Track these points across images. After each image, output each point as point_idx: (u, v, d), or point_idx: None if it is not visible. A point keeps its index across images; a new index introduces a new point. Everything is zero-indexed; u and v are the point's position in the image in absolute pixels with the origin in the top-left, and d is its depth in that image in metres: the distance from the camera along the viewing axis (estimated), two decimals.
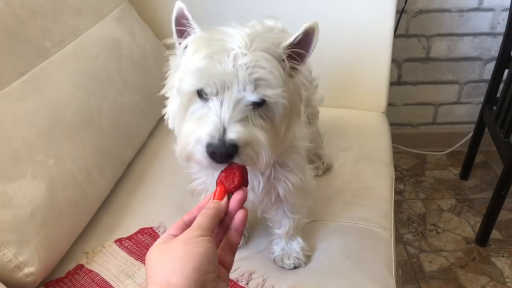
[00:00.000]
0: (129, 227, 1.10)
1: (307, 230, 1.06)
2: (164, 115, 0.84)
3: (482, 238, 1.76)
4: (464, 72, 2.08)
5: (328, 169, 1.25)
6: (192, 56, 0.73)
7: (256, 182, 0.89)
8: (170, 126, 0.82)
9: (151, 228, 1.10)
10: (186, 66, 0.74)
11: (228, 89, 0.70)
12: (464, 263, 1.70)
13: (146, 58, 1.40)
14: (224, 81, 0.70)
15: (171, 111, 0.81)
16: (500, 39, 1.97)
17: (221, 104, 0.70)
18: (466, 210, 1.93)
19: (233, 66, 0.69)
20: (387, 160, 1.31)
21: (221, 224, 0.66)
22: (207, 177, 0.94)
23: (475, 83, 2.10)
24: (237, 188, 0.68)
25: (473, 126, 2.14)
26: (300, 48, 0.76)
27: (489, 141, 2.00)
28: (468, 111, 2.17)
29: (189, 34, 0.78)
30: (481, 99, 2.12)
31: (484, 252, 1.74)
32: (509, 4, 1.87)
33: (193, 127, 0.72)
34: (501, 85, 1.82)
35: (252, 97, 0.70)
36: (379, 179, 1.23)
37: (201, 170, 0.94)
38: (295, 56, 0.76)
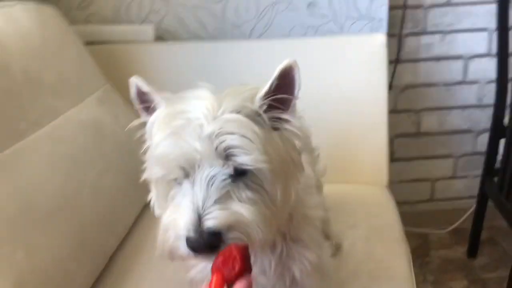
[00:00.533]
0: None
1: None
2: (149, 201, 0.75)
3: None
4: (457, 145, 2.03)
5: (338, 248, 1.11)
6: (155, 137, 0.66)
7: (266, 261, 0.76)
8: (156, 214, 0.72)
9: None
10: (151, 151, 0.67)
11: (199, 167, 0.61)
12: None
13: (130, 140, 1.29)
14: (192, 160, 0.61)
15: (154, 197, 0.73)
16: (488, 111, 1.96)
17: (193, 186, 0.61)
18: None
19: (199, 140, 0.61)
20: (399, 236, 1.18)
21: None
22: (206, 264, 0.80)
23: (469, 156, 2.05)
24: (239, 276, 0.56)
25: (473, 201, 2.06)
26: (281, 93, 0.66)
27: (492, 215, 1.91)
28: (466, 185, 2.10)
29: (154, 109, 0.71)
30: (478, 172, 2.05)
31: None
32: (492, 76, 1.89)
33: (170, 218, 0.63)
34: (498, 156, 1.77)
35: (226, 170, 0.61)
36: (394, 257, 1.10)
37: None
38: (277, 105, 0.66)
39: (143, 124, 0.75)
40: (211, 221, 0.58)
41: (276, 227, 0.67)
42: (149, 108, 0.72)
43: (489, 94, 1.93)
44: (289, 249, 0.76)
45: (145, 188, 1.29)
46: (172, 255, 0.63)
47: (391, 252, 1.12)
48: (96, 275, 1.03)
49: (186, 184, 0.62)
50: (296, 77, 0.66)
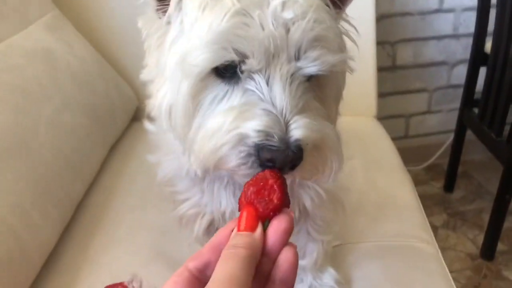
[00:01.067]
0: (90, 287, 0.78)
1: (334, 257, 0.81)
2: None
3: (489, 252, 1.57)
4: (431, 79, 1.96)
5: None
6: (202, 14, 0.48)
7: None
8: (166, 126, 0.55)
9: (121, 284, 0.79)
10: (193, 33, 0.48)
11: (273, 58, 0.46)
12: (477, 282, 1.50)
13: (88, 72, 1.11)
14: (269, 49, 0.46)
15: (164, 102, 0.54)
16: (463, 41, 1.89)
17: (267, 83, 0.47)
18: (461, 224, 1.75)
19: (279, 22, 0.46)
20: (398, 163, 1.10)
21: (256, 272, 0.39)
22: (201, 195, 0.66)
23: (443, 89, 1.99)
24: (277, 210, 0.41)
25: (447, 136, 2.02)
26: None
27: (465, 150, 1.87)
28: (440, 120, 2.04)
29: None
30: (452, 106, 2.01)
31: (493, 266, 1.55)
32: (469, 4, 1.81)
33: (226, 120, 0.47)
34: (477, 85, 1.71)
35: (313, 67, 0.48)
36: (397, 186, 1.01)
37: (192, 185, 0.66)
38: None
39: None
40: (300, 131, 0.45)
41: None
42: None
43: (465, 23, 1.86)
44: None
45: (109, 127, 1.14)
46: (218, 166, 0.48)
47: (394, 181, 1.03)
48: (64, 224, 0.88)
49: (257, 80, 0.47)
50: None
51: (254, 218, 0.41)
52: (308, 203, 0.66)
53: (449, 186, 1.92)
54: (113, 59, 1.27)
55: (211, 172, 0.52)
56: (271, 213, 0.41)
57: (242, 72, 0.48)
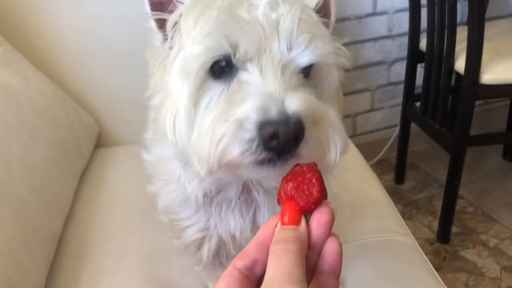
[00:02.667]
0: None
1: None
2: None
3: (444, 235, 1.68)
4: (372, 78, 2.06)
5: None
6: (195, 25, 0.51)
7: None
8: (171, 136, 0.55)
9: None
10: (188, 40, 0.51)
11: (265, 51, 0.48)
12: (438, 265, 1.60)
13: (49, 105, 1.09)
14: (260, 38, 0.48)
15: (168, 116, 0.55)
16: (397, 40, 2.01)
17: (261, 73, 0.48)
18: (416, 212, 1.85)
19: (268, 16, 0.48)
20: (363, 163, 1.16)
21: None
22: (207, 218, 0.68)
23: (384, 87, 2.10)
24: (317, 203, 0.41)
25: (391, 131, 2.13)
26: (322, 16, 0.58)
27: (410, 142, 1.99)
28: (383, 117, 2.16)
29: (173, 8, 0.56)
30: (392, 102, 2.13)
31: (450, 248, 1.66)
32: (400, 6, 1.93)
33: (222, 113, 0.47)
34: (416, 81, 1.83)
35: (306, 56, 0.49)
36: (368, 184, 1.07)
37: (196, 211, 0.67)
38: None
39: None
40: (297, 103, 0.45)
41: None
42: (156, 6, 0.56)
43: (398, 23, 1.98)
44: None
45: (77, 159, 1.12)
46: (223, 161, 0.47)
47: (363, 180, 1.09)
48: (49, 264, 0.85)
49: (250, 70, 0.49)
50: (332, 6, 0.60)
51: (297, 212, 0.41)
52: None
53: (399, 178, 2.03)
54: (69, 88, 1.25)
55: (216, 171, 0.50)
56: (312, 206, 0.41)
57: (236, 63, 0.50)
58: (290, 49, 0.49)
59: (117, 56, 1.27)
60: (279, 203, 0.43)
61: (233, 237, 0.67)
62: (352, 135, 2.15)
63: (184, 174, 0.62)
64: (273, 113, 0.44)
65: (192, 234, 0.69)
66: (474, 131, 1.55)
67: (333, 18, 0.60)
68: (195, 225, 0.68)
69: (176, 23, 0.55)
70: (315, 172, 0.43)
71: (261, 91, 0.47)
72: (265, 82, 0.47)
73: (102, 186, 1.12)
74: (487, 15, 1.89)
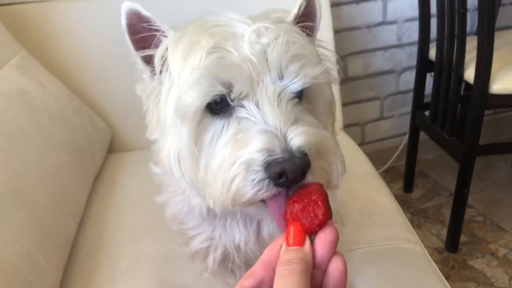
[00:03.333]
0: None
1: None
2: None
3: (453, 244, 1.68)
4: (382, 87, 2.07)
5: None
6: (185, 61, 0.52)
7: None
8: (177, 173, 0.57)
9: None
10: (180, 80, 0.52)
11: (258, 83, 0.50)
12: (446, 274, 1.59)
13: (63, 110, 1.11)
14: (251, 75, 0.49)
15: (171, 152, 0.57)
16: (407, 49, 2.03)
17: (258, 107, 0.49)
18: (424, 221, 1.86)
19: (256, 49, 0.50)
20: (373, 172, 1.17)
21: None
22: (213, 229, 0.69)
23: (393, 95, 2.11)
24: (322, 225, 0.43)
25: (400, 139, 2.14)
26: (306, 20, 0.59)
27: (418, 151, 1.99)
28: (393, 125, 2.16)
29: (157, 42, 0.57)
30: (402, 110, 2.14)
31: (459, 257, 1.66)
32: (409, 15, 1.94)
33: (229, 156, 0.49)
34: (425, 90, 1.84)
35: (297, 83, 0.51)
36: (377, 192, 1.08)
37: (202, 221, 0.69)
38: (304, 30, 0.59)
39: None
40: (300, 138, 0.46)
41: None
42: (143, 43, 0.58)
43: (407, 33, 1.99)
44: None
45: (90, 162, 1.13)
46: (237, 201, 0.49)
47: (373, 188, 1.10)
48: (63, 267, 0.87)
49: (246, 106, 0.50)
50: (317, 6, 0.60)
51: (302, 233, 0.43)
52: None
53: (408, 187, 2.03)
54: (83, 94, 1.27)
55: (231, 210, 0.52)
56: (317, 228, 0.43)
57: (232, 102, 0.51)
58: (281, 77, 0.50)
59: (132, 63, 1.28)
60: (285, 223, 0.45)
61: (237, 247, 0.68)
62: (361, 143, 2.16)
63: (190, 189, 0.64)
64: (278, 152, 0.46)
65: (198, 243, 0.70)
66: (483, 140, 1.56)
67: (318, 17, 0.60)
68: (201, 235, 0.70)
69: (163, 56, 0.56)
70: (321, 194, 0.45)
71: (262, 127, 0.48)
72: (264, 116, 0.49)
73: (115, 191, 1.13)
74: (496, 25, 1.89)
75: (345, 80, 1.99)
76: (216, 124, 0.53)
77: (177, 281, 0.86)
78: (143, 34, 0.58)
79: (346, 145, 1.28)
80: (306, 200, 0.45)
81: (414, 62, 1.89)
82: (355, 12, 1.90)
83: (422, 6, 1.70)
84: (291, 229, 0.43)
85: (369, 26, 1.94)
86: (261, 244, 0.69)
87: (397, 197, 1.98)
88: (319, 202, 0.44)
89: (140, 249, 0.94)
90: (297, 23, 0.58)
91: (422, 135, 1.88)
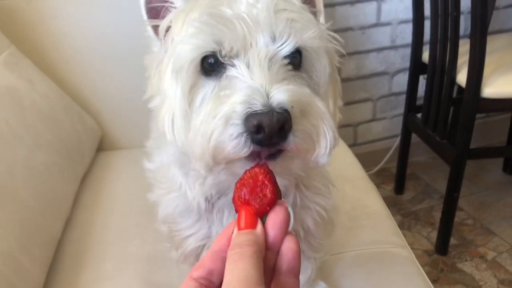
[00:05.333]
0: None
1: (322, 270, 0.85)
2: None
3: (443, 247, 1.68)
4: (374, 88, 2.07)
5: None
6: (182, 27, 0.53)
7: None
8: (170, 136, 0.56)
9: None
10: (178, 38, 0.53)
11: (251, 45, 0.49)
12: (436, 276, 1.60)
13: (53, 109, 1.10)
14: (243, 34, 0.49)
15: (166, 116, 0.56)
16: (400, 51, 2.02)
17: (248, 67, 0.49)
18: (415, 223, 1.86)
19: (250, 9, 0.50)
20: (363, 175, 1.16)
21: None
22: (209, 225, 0.68)
23: (386, 97, 2.11)
24: (272, 204, 0.42)
25: (392, 141, 2.14)
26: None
27: (410, 153, 1.99)
28: (385, 127, 2.16)
29: (166, 13, 0.58)
30: (395, 112, 2.14)
31: (448, 260, 1.66)
32: (403, 17, 1.94)
33: (211, 110, 0.48)
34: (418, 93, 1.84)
35: (288, 46, 0.50)
36: (366, 195, 1.08)
37: (198, 219, 0.68)
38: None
39: None
40: (282, 95, 0.45)
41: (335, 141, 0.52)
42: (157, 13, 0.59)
43: (401, 35, 1.99)
44: (302, 198, 0.67)
45: (78, 161, 1.13)
46: (217, 156, 0.48)
47: (362, 191, 1.09)
48: (47, 266, 0.86)
49: (237, 65, 0.49)
50: None
51: (253, 215, 0.41)
52: (310, 223, 0.70)
53: (399, 188, 2.03)
54: (73, 92, 1.26)
55: (214, 167, 0.51)
56: (268, 208, 0.42)
57: (223, 59, 0.51)
58: (274, 40, 0.50)
59: (122, 61, 1.28)
60: (236, 211, 0.43)
61: None
62: (353, 144, 2.16)
63: (185, 181, 0.63)
64: (257, 105, 0.45)
65: (194, 243, 0.69)
66: (475, 143, 1.56)
67: (320, 6, 0.60)
68: (196, 234, 0.69)
69: (169, 27, 0.57)
70: (267, 174, 0.43)
71: (248, 85, 0.47)
72: (252, 76, 0.48)
73: (103, 190, 1.13)
74: (490, 29, 1.90)
75: None
76: (208, 85, 0.53)
77: (164, 282, 0.86)
78: (155, 4, 0.58)
79: (338, 147, 1.28)
80: (252, 181, 0.43)
81: (407, 64, 1.89)
82: (349, 13, 1.89)
83: (416, 8, 1.70)
84: (242, 212, 0.42)
85: (363, 28, 1.93)
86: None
87: (388, 198, 2.00)
88: (266, 182, 0.43)
89: (127, 250, 0.94)
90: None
91: (414, 137, 1.88)
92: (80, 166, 1.12)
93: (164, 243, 0.79)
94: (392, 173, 2.12)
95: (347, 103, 2.07)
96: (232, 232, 0.41)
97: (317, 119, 0.48)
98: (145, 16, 0.59)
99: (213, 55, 0.51)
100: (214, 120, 0.47)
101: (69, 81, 1.27)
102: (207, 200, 0.64)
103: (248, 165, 0.46)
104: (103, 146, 1.32)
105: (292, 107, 0.45)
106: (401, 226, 1.84)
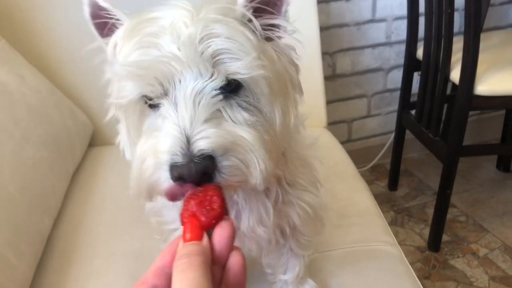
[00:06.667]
0: None
1: (310, 268, 0.85)
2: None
3: (435, 243, 1.69)
4: (369, 85, 2.07)
5: None
6: (123, 50, 0.52)
7: (263, 210, 0.66)
8: (126, 156, 0.59)
9: None
10: (118, 69, 0.52)
11: (180, 81, 0.49)
12: (427, 273, 1.60)
13: (43, 104, 1.10)
14: (170, 72, 0.49)
15: (123, 136, 0.59)
16: (396, 47, 2.02)
17: (176, 106, 0.49)
18: (407, 219, 1.86)
19: (178, 43, 0.49)
20: (354, 172, 1.16)
21: None
22: None
23: (380, 93, 2.11)
24: (219, 218, 0.43)
25: (387, 137, 2.14)
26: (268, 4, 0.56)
27: (404, 149, 2.00)
28: (379, 123, 2.17)
29: (114, 29, 0.57)
30: (389, 109, 2.14)
31: (440, 257, 1.67)
32: (398, 13, 1.94)
33: (147, 145, 0.50)
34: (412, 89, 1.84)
35: (215, 81, 0.49)
36: (357, 193, 1.08)
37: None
38: (267, 8, 0.56)
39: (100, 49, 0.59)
40: (202, 142, 0.46)
41: (275, 161, 0.55)
42: (103, 30, 0.58)
43: (396, 31, 1.99)
44: (285, 195, 0.67)
45: (68, 157, 1.12)
46: (150, 192, 0.50)
47: (352, 189, 1.09)
48: (36, 263, 0.86)
49: (165, 105, 0.50)
50: None
51: (198, 227, 0.42)
52: (296, 219, 0.70)
53: (393, 185, 2.03)
54: (65, 87, 1.25)
55: (149, 200, 0.53)
56: (214, 221, 0.43)
57: (152, 101, 0.51)
58: (201, 75, 0.49)
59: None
60: (182, 224, 0.44)
61: None
62: (348, 141, 2.16)
63: None
64: (178, 156, 0.46)
65: (174, 227, 0.70)
66: (469, 140, 1.57)
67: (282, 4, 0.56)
68: (179, 229, 0.69)
69: (115, 44, 0.56)
70: (216, 190, 0.45)
71: (171, 129, 0.48)
72: (178, 116, 0.48)
73: (94, 186, 1.12)
74: (485, 26, 1.90)
75: (333, 77, 1.99)
76: (151, 116, 0.53)
77: None
78: (100, 20, 0.58)
79: (328, 144, 1.28)
80: (201, 195, 0.45)
81: (402, 60, 1.88)
82: (344, 9, 1.89)
83: (411, 5, 1.70)
84: (188, 225, 0.43)
85: (358, 24, 1.93)
86: (239, 237, 0.69)
87: (381, 195, 2.00)
88: (215, 197, 0.45)
89: (116, 246, 0.93)
90: (254, 10, 0.54)
91: (409, 133, 1.88)
92: (70, 161, 1.12)
93: (154, 236, 0.78)
94: (386, 169, 2.12)
95: (341, 99, 2.08)
96: (175, 250, 0.41)
97: (243, 153, 0.48)
98: (95, 33, 0.59)
99: (145, 96, 0.52)
100: (145, 163, 0.49)
101: (62, 76, 1.26)
102: None
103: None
104: (95, 141, 1.31)
105: (214, 151, 0.46)
106: (394, 222, 1.85)
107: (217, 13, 0.51)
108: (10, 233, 0.78)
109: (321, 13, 1.83)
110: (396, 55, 2.03)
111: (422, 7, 1.66)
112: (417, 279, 0.85)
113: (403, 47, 1.90)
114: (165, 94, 0.50)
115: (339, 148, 1.28)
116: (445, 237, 1.73)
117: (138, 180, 0.50)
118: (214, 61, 0.49)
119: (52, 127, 1.08)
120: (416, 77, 1.81)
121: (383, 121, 2.16)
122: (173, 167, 0.46)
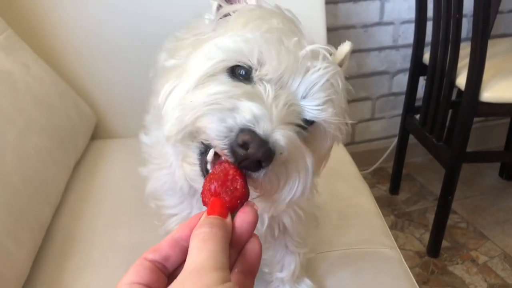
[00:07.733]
0: None
1: (308, 268, 0.85)
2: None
3: (434, 249, 1.68)
4: (374, 87, 2.07)
5: None
6: (243, 27, 0.53)
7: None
8: (160, 100, 0.55)
9: None
10: (254, 35, 0.51)
11: (287, 83, 0.50)
12: (426, 278, 1.60)
13: (48, 93, 1.10)
14: (285, 70, 0.49)
15: (171, 82, 0.55)
16: (402, 51, 2.02)
17: (274, 97, 0.48)
18: (408, 224, 1.86)
19: (305, 61, 0.50)
20: (356, 173, 1.16)
21: None
22: (190, 211, 0.69)
23: (385, 97, 2.10)
24: (243, 198, 0.43)
25: (390, 141, 2.14)
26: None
27: (407, 153, 1.99)
28: (383, 126, 2.16)
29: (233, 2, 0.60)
30: (393, 112, 2.13)
31: (439, 263, 1.66)
32: (406, 17, 1.93)
33: (230, 89, 0.48)
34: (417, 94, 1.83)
35: (313, 112, 0.51)
36: (359, 194, 1.07)
37: (182, 201, 0.68)
38: None
39: None
40: (282, 137, 0.45)
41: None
42: None
43: (403, 35, 1.98)
44: None
45: (71, 148, 1.12)
46: (197, 122, 0.47)
47: (354, 190, 1.09)
48: (35, 252, 0.86)
49: (267, 87, 0.49)
50: (346, 58, 0.66)
51: (224, 206, 0.42)
52: (287, 222, 0.70)
53: (394, 189, 2.03)
54: (70, 78, 1.25)
55: (178, 142, 0.50)
56: (238, 201, 0.42)
57: (254, 78, 0.51)
58: (304, 98, 0.50)
59: (119, 49, 1.27)
60: (204, 204, 0.43)
61: None
62: (351, 143, 2.15)
63: (176, 159, 0.63)
64: (260, 129, 0.44)
65: (174, 223, 0.70)
66: (473, 147, 1.56)
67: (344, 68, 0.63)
68: (179, 215, 0.69)
69: (228, 14, 0.57)
70: (237, 169, 0.44)
71: (266, 106, 0.47)
72: (272, 103, 0.48)
73: (95, 178, 1.12)
74: (493, 32, 1.89)
75: None
76: (225, 83, 0.51)
77: None
78: None
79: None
80: (223, 175, 0.44)
81: (408, 64, 1.88)
82: (351, 11, 1.88)
83: (419, 9, 1.69)
84: (213, 203, 0.42)
85: (365, 26, 1.92)
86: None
87: (383, 198, 2.00)
88: (237, 176, 0.44)
89: (115, 238, 0.93)
90: None
91: (412, 138, 1.87)
92: (72, 153, 1.11)
93: (153, 231, 0.79)
94: (388, 173, 2.12)
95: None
96: (194, 225, 0.40)
97: (292, 171, 0.48)
98: None
99: (248, 69, 0.51)
100: (224, 98, 0.47)
101: (67, 67, 1.26)
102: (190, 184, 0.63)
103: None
104: (97, 134, 1.31)
105: (281, 153, 0.45)
106: (394, 226, 1.84)
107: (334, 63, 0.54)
108: (10, 222, 0.78)
109: (328, 14, 1.83)
110: (403, 58, 2.03)
111: (430, 12, 1.66)
112: (415, 282, 0.85)
113: (409, 51, 1.90)
114: (268, 81, 0.50)
115: (342, 149, 1.27)
116: (444, 243, 1.72)
117: (196, 107, 0.47)
118: (323, 95, 0.51)
119: (56, 117, 1.08)
120: (422, 81, 1.81)
121: (387, 125, 2.16)
122: (248, 130, 0.44)
